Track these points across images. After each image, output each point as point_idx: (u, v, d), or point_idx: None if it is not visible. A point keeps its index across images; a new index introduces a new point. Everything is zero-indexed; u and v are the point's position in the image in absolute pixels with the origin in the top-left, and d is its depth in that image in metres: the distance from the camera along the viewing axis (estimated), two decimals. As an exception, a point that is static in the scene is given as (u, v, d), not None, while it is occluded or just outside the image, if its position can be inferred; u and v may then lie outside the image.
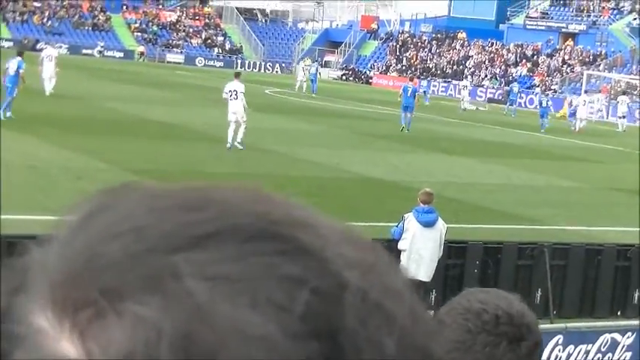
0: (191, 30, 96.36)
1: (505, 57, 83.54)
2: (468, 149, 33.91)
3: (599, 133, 48.92)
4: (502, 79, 79.00)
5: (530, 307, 2.23)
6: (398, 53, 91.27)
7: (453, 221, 18.16)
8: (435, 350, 0.64)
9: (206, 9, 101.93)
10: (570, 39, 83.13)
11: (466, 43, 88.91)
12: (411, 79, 45.24)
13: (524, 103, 74.13)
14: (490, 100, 71.38)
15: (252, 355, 0.60)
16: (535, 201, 22.82)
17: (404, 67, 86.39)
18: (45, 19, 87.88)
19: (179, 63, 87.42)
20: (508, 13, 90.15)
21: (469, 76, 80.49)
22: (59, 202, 16.69)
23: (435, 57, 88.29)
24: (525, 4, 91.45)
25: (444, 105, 61.44)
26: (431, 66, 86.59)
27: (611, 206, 23.43)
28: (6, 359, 0.62)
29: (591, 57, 78.45)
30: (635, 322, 13.05)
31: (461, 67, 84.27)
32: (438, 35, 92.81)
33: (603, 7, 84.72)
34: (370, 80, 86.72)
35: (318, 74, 65.77)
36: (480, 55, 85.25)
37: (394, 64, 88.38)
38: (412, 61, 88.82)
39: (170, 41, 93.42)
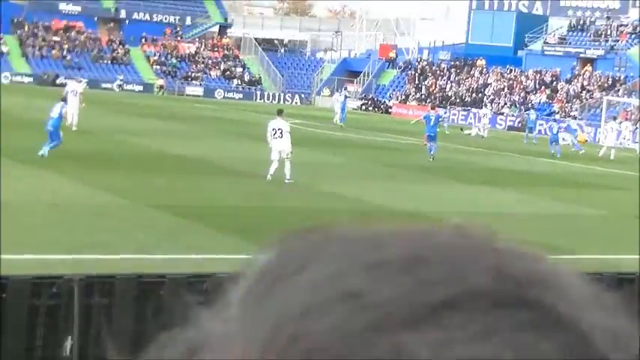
0: (210, 62, 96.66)
1: (524, 84, 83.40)
2: (491, 178, 33.77)
3: (622, 160, 48.69)
4: (521, 107, 78.82)
5: None
6: (417, 82, 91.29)
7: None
8: None
9: (225, 40, 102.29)
10: (589, 64, 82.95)
11: (484, 70, 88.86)
12: (433, 108, 45.09)
13: (544, 130, 73.91)
14: (510, 128, 71.28)
15: None
16: (561, 229, 22.64)
17: (423, 96, 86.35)
18: (64, 53, 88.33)
19: (198, 96, 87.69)
20: (526, 39, 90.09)
21: (488, 104, 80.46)
22: (80, 240, 16.65)
23: (454, 85, 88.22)
24: (543, 29, 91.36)
25: (462, 133, 61.28)
26: (450, 94, 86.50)
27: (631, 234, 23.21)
28: None
29: (610, 82, 78.25)
30: None
31: (480, 94, 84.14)
32: (457, 63, 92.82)
33: (621, 32, 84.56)
34: (390, 110, 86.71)
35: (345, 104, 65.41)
36: (498, 83, 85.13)
37: (413, 93, 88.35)
38: (431, 89, 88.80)
39: (189, 73, 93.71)
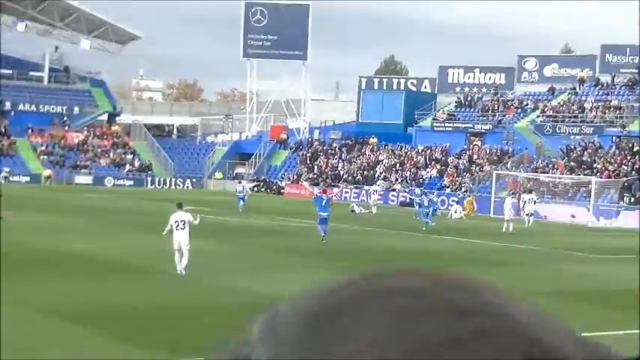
0: (99, 150, 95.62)
1: (415, 160, 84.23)
2: (388, 261, 33.63)
3: (521, 232, 49.13)
4: (413, 182, 79.47)
5: None
6: (308, 162, 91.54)
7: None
8: None
9: (114, 127, 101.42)
10: (478, 139, 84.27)
11: (376, 147, 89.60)
12: (325, 192, 44.96)
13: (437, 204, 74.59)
14: (402, 204, 71.59)
15: None
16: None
17: (315, 175, 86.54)
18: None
19: (88, 184, 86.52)
20: (416, 116, 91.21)
21: (380, 181, 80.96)
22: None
23: (346, 163, 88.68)
24: (432, 106, 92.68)
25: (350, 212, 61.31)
26: (342, 172, 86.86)
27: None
28: None
29: (499, 155, 79.48)
30: None
31: (372, 172, 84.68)
32: (348, 141, 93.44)
33: (508, 107, 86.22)
34: (282, 190, 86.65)
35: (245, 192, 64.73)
36: (389, 159, 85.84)
37: (305, 173, 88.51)
38: (323, 168, 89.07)
39: (78, 162, 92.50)
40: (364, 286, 0.66)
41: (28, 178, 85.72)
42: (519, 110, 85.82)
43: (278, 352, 0.62)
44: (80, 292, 23.21)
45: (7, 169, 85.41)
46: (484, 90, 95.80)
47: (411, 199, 74.15)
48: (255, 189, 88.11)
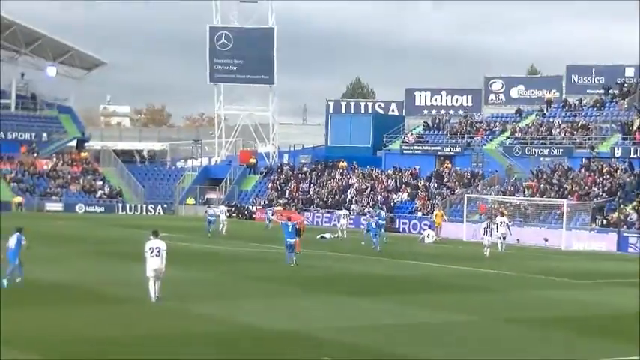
0: (69, 176, 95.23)
1: (385, 183, 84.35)
2: (359, 286, 33.69)
3: (481, 257, 49.23)
4: (383, 206, 79.53)
5: None
6: (279, 186, 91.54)
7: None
8: None
9: (83, 154, 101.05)
10: (447, 161, 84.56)
11: (346, 171, 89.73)
12: (289, 219, 44.99)
13: (408, 228, 74.80)
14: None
15: None
16: (435, 341, 22.52)
17: (286, 200, 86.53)
18: None
19: (59, 211, 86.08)
20: (384, 139, 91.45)
21: (353, 205, 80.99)
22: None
23: (316, 187, 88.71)
24: (400, 129, 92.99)
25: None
26: (313, 197, 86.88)
27: (508, 340, 23.30)
28: None
29: (469, 178, 79.74)
30: None
31: (343, 196, 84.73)
32: (318, 166, 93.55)
33: (477, 129, 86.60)
34: (253, 215, 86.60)
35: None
36: (360, 183, 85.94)
37: (276, 198, 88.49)
38: (294, 193, 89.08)
39: (48, 189, 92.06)
40: None
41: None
42: (488, 132, 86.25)
43: None
44: (56, 323, 23.08)
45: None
46: (451, 112, 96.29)
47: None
48: (227, 214, 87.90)
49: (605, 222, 64.34)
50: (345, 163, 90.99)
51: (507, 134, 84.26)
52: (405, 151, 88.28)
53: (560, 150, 77.58)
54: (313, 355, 19.93)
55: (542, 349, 21.74)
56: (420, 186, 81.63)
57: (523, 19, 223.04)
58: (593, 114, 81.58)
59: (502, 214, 60.61)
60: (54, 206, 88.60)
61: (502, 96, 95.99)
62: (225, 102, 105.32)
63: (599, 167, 71.81)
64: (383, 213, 67.45)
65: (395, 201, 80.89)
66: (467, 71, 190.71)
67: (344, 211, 68.37)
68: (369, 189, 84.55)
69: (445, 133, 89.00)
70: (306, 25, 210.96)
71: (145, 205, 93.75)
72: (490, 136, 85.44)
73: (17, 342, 20.08)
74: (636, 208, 64.39)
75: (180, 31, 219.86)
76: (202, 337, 21.58)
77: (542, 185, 72.25)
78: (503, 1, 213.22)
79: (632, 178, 68.77)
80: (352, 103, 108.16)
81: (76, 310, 25.52)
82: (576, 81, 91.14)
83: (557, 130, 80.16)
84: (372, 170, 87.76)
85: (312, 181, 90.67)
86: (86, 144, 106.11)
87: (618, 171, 70.38)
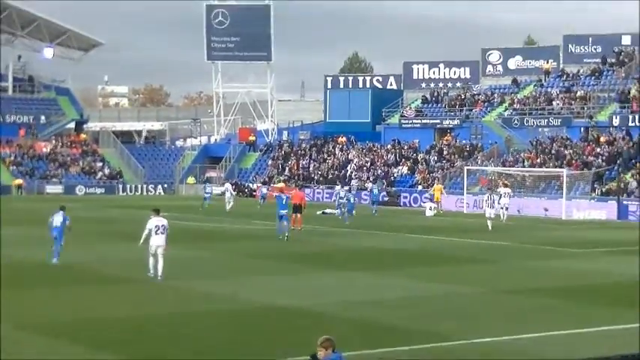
0: (69, 158, 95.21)
1: (385, 158, 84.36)
2: (362, 261, 33.80)
3: (483, 229, 49.23)
4: (384, 180, 79.61)
5: None
6: (279, 164, 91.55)
7: (367, 346, 17.85)
8: None
9: (82, 136, 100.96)
10: (447, 134, 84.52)
11: (345, 147, 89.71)
12: (281, 190, 46.12)
13: (409, 202, 74.88)
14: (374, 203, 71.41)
15: None
16: (439, 313, 22.62)
17: (287, 177, 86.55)
18: None
19: (59, 193, 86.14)
20: (383, 114, 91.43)
21: (352, 180, 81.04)
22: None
23: (316, 163, 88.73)
24: (399, 103, 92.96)
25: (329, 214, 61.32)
26: (313, 173, 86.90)
27: (511, 311, 23.41)
28: None
29: (468, 150, 79.74)
30: None
31: (343, 171, 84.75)
32: (317, 142, 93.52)
33: (475, 101, 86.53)
34: (254, 193, 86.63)
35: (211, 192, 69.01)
36: (360, 158, 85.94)
37: (276, 175, 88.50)
38: (293, 170, 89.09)
39: (48, 172, 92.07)
40: None
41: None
42: (486, 104, 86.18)
43: None
44: (58, 304, 23.18)
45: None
46: (450, 85, 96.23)
47: (385, 197, 74.72)
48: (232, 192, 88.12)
49: (604, 191, 64.43)
50: (344, 139, 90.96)
51: (506, 105, 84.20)
52: (403, 125, 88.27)
53: (559, 120, 77.57)
54: (317, 331, 20.01)
55: (544, 318, 21.84)
56: (419, 159, 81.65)
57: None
58: (591, 83, 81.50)
59: (505, 185, 60.80)
60: (54, 188, 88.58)
61: (500, 67, 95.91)
62: (223, 80, 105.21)
63: (597, 136, 71.87)
64: (376, 190, 68.14)
65: (395, 175, 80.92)
66: (464, 43, 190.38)
67: (339, 188, 68.32)
68: (368, 164, 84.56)
69: (444, 105, 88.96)
70: (303, 1, 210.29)
71: (145, 186, 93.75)
72: (488, 108, 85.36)
73: (23, 323, 20.20)
74: (635, 176, 64.45)
75: (176, 9, 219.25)
76: (206, 316, 21.68)
77: (541, 155, 72.28)
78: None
79: (630, 146, 68.78)
80: (350, 78, 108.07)
81: (80, 291, 25.62)
82: (573, 51, 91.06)
83: (556, 100, 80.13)
84: (372, 145, 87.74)
85: (312, 157, 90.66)
86: (85, 125, 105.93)
87: (617, 139, 70.41)
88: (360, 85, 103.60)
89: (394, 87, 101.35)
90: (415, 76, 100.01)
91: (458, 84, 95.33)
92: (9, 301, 23.13)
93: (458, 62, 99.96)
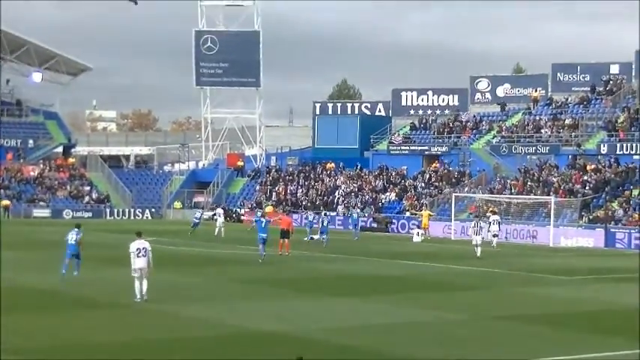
0: (56, 182, 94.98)
1: (373, 184, 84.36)
2: (348, 287, 33.71)
3: (470, 255, 49.12)
4: (372, 206, 79.62)
5: None
6: (267, 188, 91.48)
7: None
8: None
9: (70, 160, 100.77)
10: (435, 161, 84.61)
11: (333, 172, 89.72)
12: (263, 215, 48.54)
13: (397, 228, 74.82)
14: (362, 229, 71.48)
15: None
16: (425, 340, 22.54)
17: (274, 203, 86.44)
18: None
19: (46, 217, 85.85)
20: (371, 140, 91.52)
21: (341, 206, 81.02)
22: None
23: (304, 189, 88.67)
24: (387, 130, 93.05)
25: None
26: (301, 199, 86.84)
27: (498, 338, 23.33)
28: None
29: (456, 177, 79.79)
30: None
31: (331, 197, 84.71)
32: (305, 167, 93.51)
33: (463, 128, 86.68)
34: (242, 218, 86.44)
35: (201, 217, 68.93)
36: (348, 185, 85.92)
37: (264, 200, 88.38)
38: (281, 195, 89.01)
39: (35, 196, 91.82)
40: None
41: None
42: (475, 131, 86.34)
43: None
44: (44, 330, 23.00)
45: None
46: (438, 112, 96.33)
47: (372, 223, 74.78)
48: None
49: (592, 218, 64.51)
50: (332, 164, 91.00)
51: (494, 133, 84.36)
52: (392, 152, 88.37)
53: (547, 148, 77.70)
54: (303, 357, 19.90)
55: (533, 345, 21.77)
56: (407, 186, 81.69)
57: (506, 19, 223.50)
58: (580, 111, 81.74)
59: (494, 212, 60.90)
60: (41, 212, 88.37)
61: (488, 95, 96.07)
62: (211, 105, 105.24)
63: (584, 164, 72.08)
64: (355, 214, 68.64)
65: (383, 201, 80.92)
66: (453, 71, 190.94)
67: (323, 213, 68.15)
68: (356, 190, 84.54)
69: (432, 132, 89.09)
70: (292, 27, 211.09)
71: (132, 210, 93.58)
72: (477, 135, 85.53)
73: (5, 348, 20.02)
74: (622, 204, 64.59)
75: (166, 35, 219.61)
76: (192, 341, 21.55)
77: (528, 183, 72.38)
78: (487, 1, 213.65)
79: (617, 174, 68.92)
80: (339, 105, 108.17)
81: (65, 316, 25.45)
82: (562, 79, 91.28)
83: (544, 128, 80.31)
84: (359, 170, 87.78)
85: (300, 182, 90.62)
86: (73, 149, 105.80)
87: (604, 167, 70.57)
88: (349, 112, 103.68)
89: (382, 113, 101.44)
90: (404, 103, 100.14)
91: (446, 111, 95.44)
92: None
93: (446, 89, 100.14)
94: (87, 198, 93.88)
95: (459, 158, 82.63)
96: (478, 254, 48.87)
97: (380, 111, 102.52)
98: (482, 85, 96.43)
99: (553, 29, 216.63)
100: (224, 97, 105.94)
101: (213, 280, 35.56)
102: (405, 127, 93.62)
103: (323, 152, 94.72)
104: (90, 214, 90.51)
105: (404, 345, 21.75)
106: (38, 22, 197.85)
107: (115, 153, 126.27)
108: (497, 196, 71.43)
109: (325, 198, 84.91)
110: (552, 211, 63.07)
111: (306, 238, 60.70)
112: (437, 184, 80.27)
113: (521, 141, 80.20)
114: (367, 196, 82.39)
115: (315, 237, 61.34)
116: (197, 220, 66.64)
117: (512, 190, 72.31)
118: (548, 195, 67.57)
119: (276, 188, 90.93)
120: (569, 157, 74.64)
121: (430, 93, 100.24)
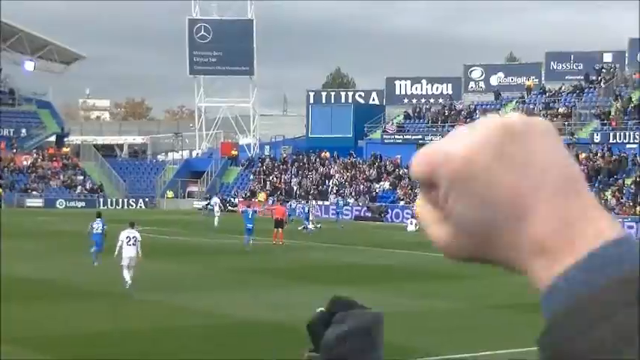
0: (49, 172, 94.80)
1: (367, 173, 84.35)
2: (342, 276, 33.68)
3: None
4: (366, 195, 79.64)
5: None
6: (261, 177, 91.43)
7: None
8: None
9: (63, 149, 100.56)
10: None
11: (327, 162, 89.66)
12: (248, 206, 51.64)
13: (391, 217, 74.87)
14: (357, 218, 71.65)
15: None
16: (421, 328, 22.54)
17: (269, 191, 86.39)
18: None
19: (39, 207, 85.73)
20: (365, 129, 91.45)
21: (333, 195, 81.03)
22: None
23: (298, 178, 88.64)
24: (381, 119, 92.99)
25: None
26: (295, 188, 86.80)
27: (494, 326, 23.34)
28: None
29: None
30: None
31: (325, 186, 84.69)
32: (299, 156, 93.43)
33: (457, 117, 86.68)
34: (235, 207, 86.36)
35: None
36: (341, 174, 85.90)
37: (259, 189, 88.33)
38: (276, 184, 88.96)
39: (28, 185, 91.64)
40: None
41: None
42: (468, 120, 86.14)
43: None
44: (41, 319, 22.98)
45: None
46: (432, 101, 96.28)
47: (367, 212, 74.86)
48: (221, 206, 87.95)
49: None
50: (327, 154, 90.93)
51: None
52: (386, 141, 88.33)
53: (541, 136, 77.67)
54: (295, 346, 19.88)
55: (529, 333, 21.72)
56: (401, 175, 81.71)
57: (500, 7, 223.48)
58: (573, 100, 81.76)
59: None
60: (34, 202, 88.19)
61: (482, 84, 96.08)
62: (205, 94, 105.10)
63: (577, 153, 72.14)
64: (341, 202, 69.15)
65: (377, 190, 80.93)
66: (446, 60, 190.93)
67: (312, 202, 68.46)
68: (350, 179, 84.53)
69: (426, 121, 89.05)
70: (286, 16, 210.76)
71: (126, 200, 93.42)
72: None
73: (6, 338, 19.98)
74: (615, 193, 64.65)
75: (159, 24, 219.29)
76: (187, 330, 21.54)
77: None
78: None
79: (610, 163, 68.99)
80: (332, 94, 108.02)
81: (60, 306, 25.42)
82: (555, 68, 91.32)
83: (537, 116, 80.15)
84: (353, 160, 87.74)
85: (294, 172, 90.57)
86: (66, 139, 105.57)
87: (597, 156, 70.64)
88: (343, 101, 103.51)
89: (376, 102, 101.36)
90: (397, 92, 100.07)
91: (440, 100, 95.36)
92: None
93: (440, 78, 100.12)
94: (80, 188, 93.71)
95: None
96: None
97: (374, 100, 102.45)
98: (476, 73, 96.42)
99: (546, 17, 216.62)
100: (218, 86, 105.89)
101: (207, 269, 35.49)
102: (398, 115, 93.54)
103: (317, 141, 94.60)
104: (83, 204, 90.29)
105: (398, 333, 21.72)
106: (31, 10, 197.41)
107: (108, 142, 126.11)
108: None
109: (320, 187, 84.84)
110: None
111: (300, 228, 60.67)
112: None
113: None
114: (361, 186, 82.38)
115: (310, 226, 61.35)
116: (211, 207, 67.01)
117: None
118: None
119: (270, 178, 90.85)
120: (563, 145, 74.62)
121: (424, 82, 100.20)
